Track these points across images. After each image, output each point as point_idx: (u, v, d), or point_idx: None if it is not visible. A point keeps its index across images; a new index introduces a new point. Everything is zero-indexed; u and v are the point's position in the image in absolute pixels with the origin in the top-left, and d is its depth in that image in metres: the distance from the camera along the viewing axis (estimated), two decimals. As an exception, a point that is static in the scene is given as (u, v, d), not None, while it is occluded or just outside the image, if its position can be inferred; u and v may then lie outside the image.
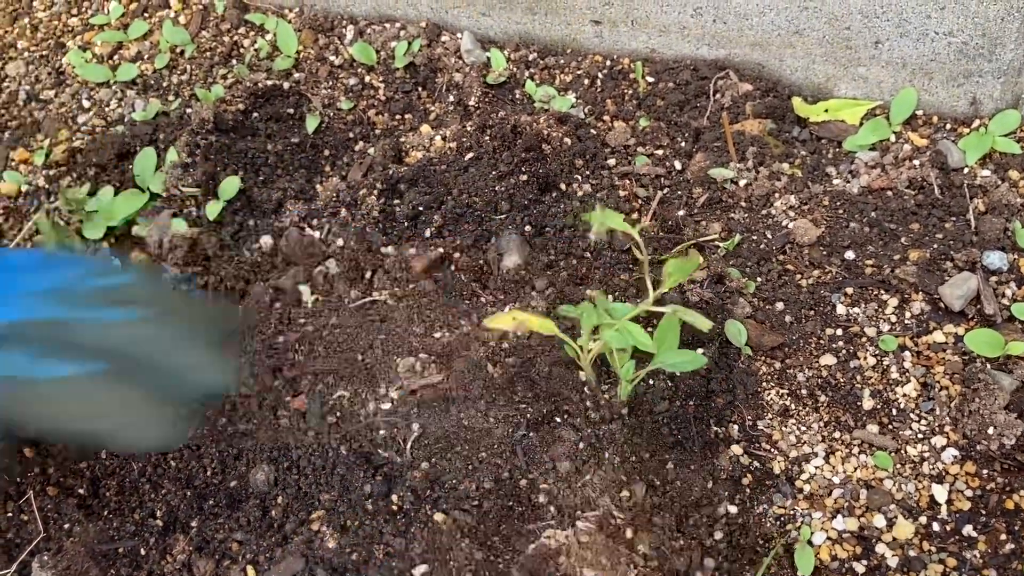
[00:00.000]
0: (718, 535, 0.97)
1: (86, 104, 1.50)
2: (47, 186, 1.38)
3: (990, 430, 0.98)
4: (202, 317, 0.90)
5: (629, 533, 0.95)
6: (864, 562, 0.94)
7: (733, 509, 0.98)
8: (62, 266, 0.81)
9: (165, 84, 1.50)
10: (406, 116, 1.40)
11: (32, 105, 1.51)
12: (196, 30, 1.57)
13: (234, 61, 1.52)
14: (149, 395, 0.80)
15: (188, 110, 1.44)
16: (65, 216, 1.31)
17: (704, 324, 0.90)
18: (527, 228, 1.19)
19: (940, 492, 0.96)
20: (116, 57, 1.56)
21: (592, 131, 1.30)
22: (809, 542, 0.95)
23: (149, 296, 0.84)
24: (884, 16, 1.20)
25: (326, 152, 1.36)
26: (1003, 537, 0.93)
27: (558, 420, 1.02)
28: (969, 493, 0.96)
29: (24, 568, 1.00)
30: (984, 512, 0.95)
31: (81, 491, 1.05)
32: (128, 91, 1.50)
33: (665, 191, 1.23)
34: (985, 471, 0.97)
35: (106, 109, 1.49)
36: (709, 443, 1.02)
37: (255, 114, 1.39)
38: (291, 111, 1.40)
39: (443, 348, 1.10)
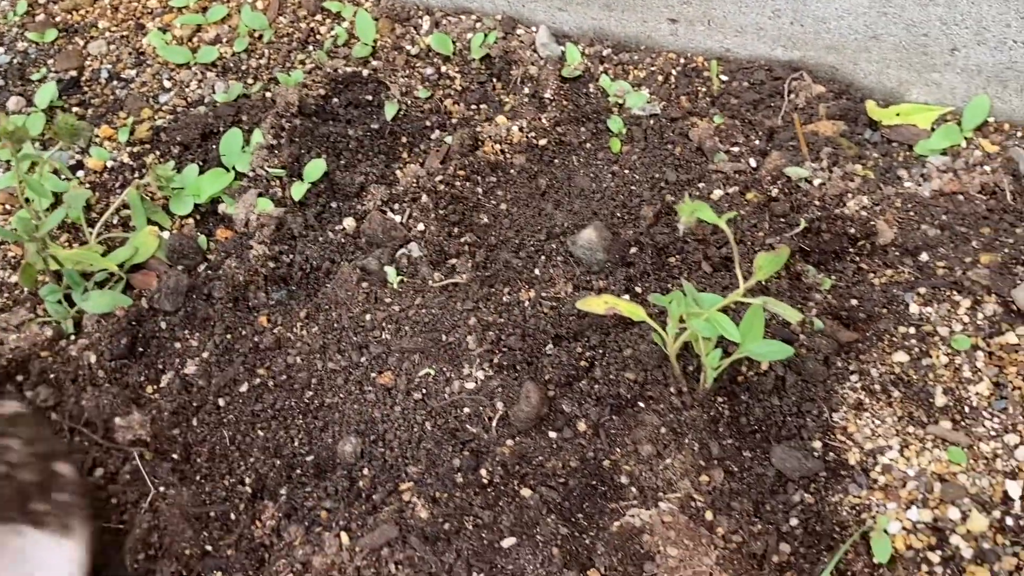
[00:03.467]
0: (794, 521, 0.99)
1: (167, 84, 1.54)
2: (132, 163, 1.42)
3: (1063, 430, 1.00)
4: None
5: (709, 516, 0.98)
6: (939, 552, 0.96)
7: (809, 497, 1.01)
8: None
9: (244, 67, 1.54)
10: (481, 106, 1.44)
11: (114, 84, 1.55)
12: (274, 15, 1.60)
13: (311, 47, 1.55)
14: None
15: (268, 93, 1.48)
16: (152, 192, 1.34)
17: (794, 316, 0.93)
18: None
19: (1014, 488, 0.99)
20: (195, 39, 1.60)
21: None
22: (885, 531, 0.98)
23: None
24: (963, 24, 1.22)
25: (404, 139, 1.40)
26: (1076, 533, 0.96)
27: (641, 405, 1.05)
28: (1042, 490, 0.99)
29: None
30: (1057, 509, 0.98)
31: (175, 456, 1.09)
32: (208, 73, 1.54)
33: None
34: (1058, 469, 1.00)
35: (187, 90, 1.53)
36: (786, 433, 1.05)
37: (335, 100, 1.43)
38: (370, 98, 1.44)
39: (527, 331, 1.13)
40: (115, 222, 1.33)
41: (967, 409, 1.05)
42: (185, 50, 1.56)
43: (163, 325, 1.20)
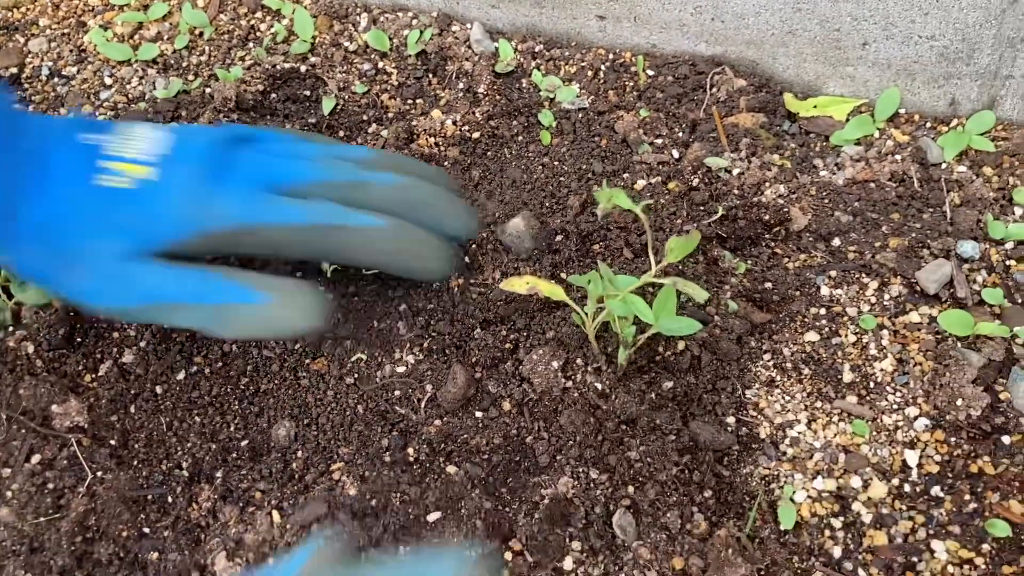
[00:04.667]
0: (707, 493, 1.05)
1: (108, 81, 1.56)
2: (72, 158, 1.44)
3: (959, 402, 1.06)
4: (436, 177, 1.17)
5: (631, 490, 1.03)
6: (841, 518, 1.02)
7: (723, 470, 1.06)
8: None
9: (185, 64, 1.56)
10: (417, 101, 1.47)
11: (55, 80, 1.57)
12: (214, 13, 1.63)
13: (251, 44, 1.58)
14: (432, 237, 1.08)
15: (208, 89, 1.50)
16: (91, 186, 1.37)
17: (700, 295, 0.98)
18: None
19: (912, 457, 1.05)
20: (136, 37, 1.62)
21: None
22: (791, 499, 1.03)
23: (397, 164, 1.15)
24: (872, 19, 1.28)
25: (341, 133, 1.43)
26: (967, 498, 1.02)
27: (562, 381, 1.09)
28: (938, 458, 1.05)
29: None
30: (951, 475, 1.04)
31: (113, 442, 1.12)
32: (149, 70, 1.56)
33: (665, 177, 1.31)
34: (953, 439, 1.06)
35: (127, 86, 1.55)
36: (701, 410, 1.10)
37: (273, 95, 1.46)
38: (307, 93, 1.47)
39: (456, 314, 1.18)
40: (55, 216, 1.35)
41: (872, 384, 1.11)
42: (126, 47, 1.59)
43: (101, 315, 1.22)
